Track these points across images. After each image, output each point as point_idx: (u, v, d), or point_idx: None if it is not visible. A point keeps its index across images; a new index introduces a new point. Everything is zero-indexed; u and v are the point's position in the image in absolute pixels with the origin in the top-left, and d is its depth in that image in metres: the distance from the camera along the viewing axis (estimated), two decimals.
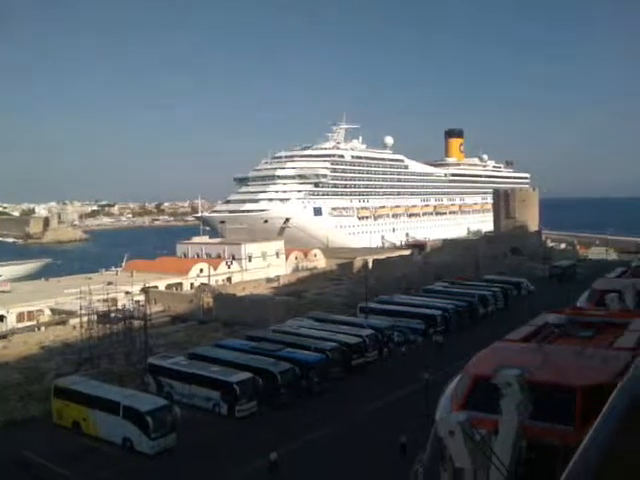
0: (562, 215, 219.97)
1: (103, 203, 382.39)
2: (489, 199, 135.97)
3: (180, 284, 72.38)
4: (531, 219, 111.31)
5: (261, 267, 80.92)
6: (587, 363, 12.88)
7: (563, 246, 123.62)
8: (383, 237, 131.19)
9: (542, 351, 13.98)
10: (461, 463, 10.46)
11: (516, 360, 12.73)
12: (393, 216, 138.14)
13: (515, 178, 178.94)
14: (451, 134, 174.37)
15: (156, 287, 67.22)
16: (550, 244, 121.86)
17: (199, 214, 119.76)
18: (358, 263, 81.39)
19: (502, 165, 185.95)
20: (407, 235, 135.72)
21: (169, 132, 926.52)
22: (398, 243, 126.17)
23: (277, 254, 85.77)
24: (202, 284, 70.09)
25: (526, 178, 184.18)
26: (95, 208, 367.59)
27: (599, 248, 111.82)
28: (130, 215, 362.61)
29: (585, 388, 11.30)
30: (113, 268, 79.64)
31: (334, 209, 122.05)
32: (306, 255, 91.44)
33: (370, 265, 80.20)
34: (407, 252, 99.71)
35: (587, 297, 24.02)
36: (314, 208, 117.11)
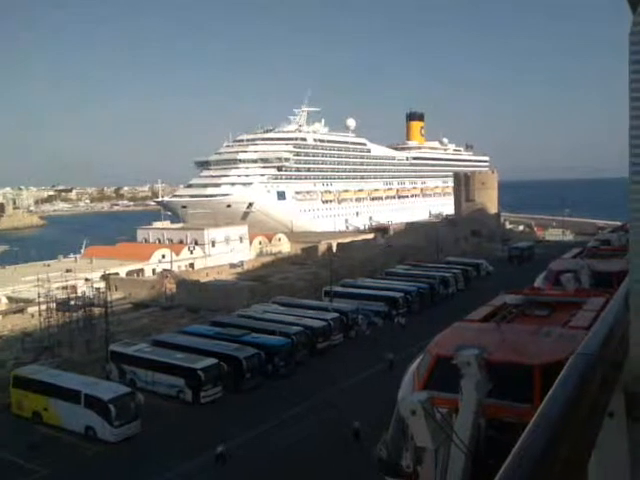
0: (520, 197, 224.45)
1: (60, 188, 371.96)
2: (450, 182, 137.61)
3: (141, 270, 71.31)
4: (490, 201, 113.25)
5: (225, 252, 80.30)
6: (544, 342, 13.25)
7: (521, 228, 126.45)
8: (347, 221, 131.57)
9: (500, 330, 14.32)
10: (422, 442, 10.65)
11: (475, 340, 12.99)
12: (357, 200, 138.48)
13: (475, 161, 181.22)
14: (412, 117, 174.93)
15: (117, 274, 66.12)
16: (509, 226, 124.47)
17: (160, 199, 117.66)
18: (322, 247, 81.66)
19: (462, 148, 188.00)
20: (370, 219, 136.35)
21: (127, 111, 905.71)
22: (362, 227, 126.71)
23: (241, 239, 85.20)
24: (164, 270, 69.22)
25: (485, 161, 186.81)
26: (52, 193, 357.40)
27: (556, 230, 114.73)
28: (88, 200, 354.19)
29: (542, 366, 11.62)
30: (72, 255, 77.85)
31: (298, 193, 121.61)
32: (270, 240, 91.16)
33: (334, 249, 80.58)
34: (370, 236, 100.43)
35: (544, 277, 24.58)
36: (277, 192, 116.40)
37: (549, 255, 43.60)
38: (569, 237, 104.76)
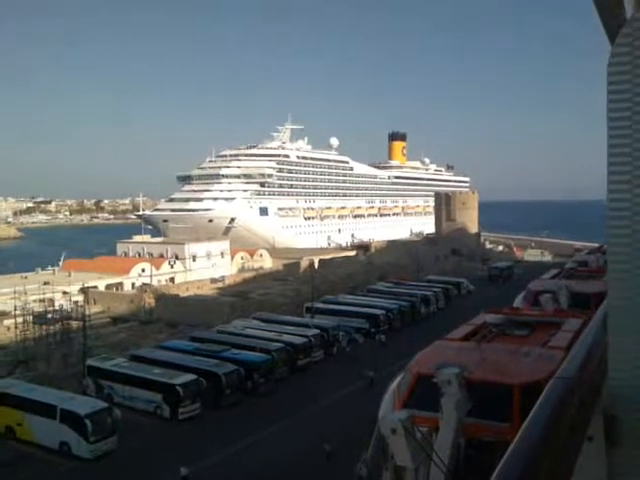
0: (500, 217, 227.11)
1: (39, 200, 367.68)
2: (431, 202, 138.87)
3: (120, 284, 70.55)
4: (470, 221, 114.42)
5: (206, 267, 79.83)
6: (523, 361, 13.41)
7: (501, 248, 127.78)
8: (329, 237, 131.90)
9: (480, 350, 14.46)
10: (402, 461, 10.66)
11: (456, 358, 13.10)
12: (339, 217, 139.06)
13: (455, 181, 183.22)
14: (395, 137, 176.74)
15: (95, 287, 65.35)
16: (488, 245, 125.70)
17: (141, 212, 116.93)
18: (304, 263, 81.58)
19: (443, 169, 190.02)
20: (352, 236, 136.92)
21: (109, 124, 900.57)
22: (344, 244, 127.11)
23: (222, 254, 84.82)
24: (144, 284, 68.57)
25: (466, 182, 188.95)
26: (31, 205, 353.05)
27: (535, 250, 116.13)
28: (68, 212, 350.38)
29: (522, 386, 11.75)
30: (50, 267, 76.74)
31: (280, 209, 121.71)
32: (252, 255, 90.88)
33: (316, 265, 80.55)
34: (352, 252, 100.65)
35: (523, 297, 24.88)
36: (260, 208, 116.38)
37: (528, 275, 44.12)
38: (547, 258, 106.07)
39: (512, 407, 11.42)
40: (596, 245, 52.80)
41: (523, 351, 14.14)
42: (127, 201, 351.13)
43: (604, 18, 4.17)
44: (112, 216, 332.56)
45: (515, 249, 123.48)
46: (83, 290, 61.14)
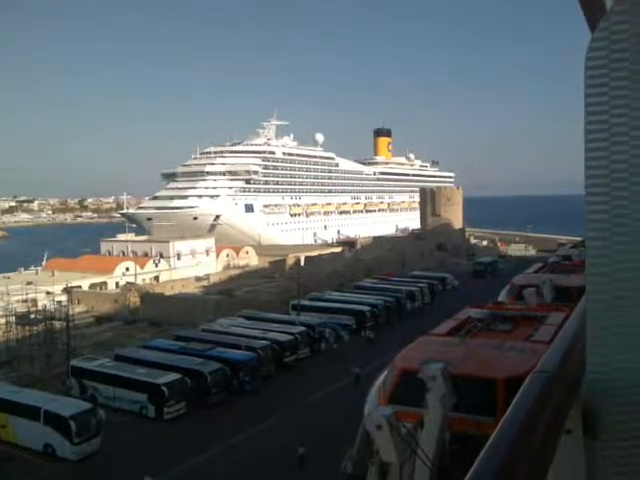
0: (484, 212, 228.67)
1: (22, 199, 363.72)
2: (416, 197, 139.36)
3: (104, 283, 69.98)
4: (455, 217, 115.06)
5: (190, 265, 79.45)
6: (507, 356, 13.48)
7: (485, 243, 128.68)
8: (315, 234, 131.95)
9: (465, 344, 14.51)
10: (388, 457, 10.66)
11: (441, 354, 13.13)
12: (325, 213, 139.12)
13: (440, 177, 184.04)
14: (380, 133, 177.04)
15: (79, 287, 64.76)
16: (473, 241, 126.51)
17: (125, 211, 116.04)
18: (290, 260, 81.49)
19: (428, 164, 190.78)
20: (338, 232, 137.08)
21: (91, 121, 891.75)
22: (330, 240, 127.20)
23: (207, 252, 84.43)
24: (128, 283, 68.12)
25: (451, 177, 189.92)
26: (13, 204, 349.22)
27: (518, 245, 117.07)
28: (50, 212, 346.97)
29: (506, 380, 11.80)
30: (33, 267, 75.92)
31: (266, 206, 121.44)
32: (237, 253, 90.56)
33: (302, 262, 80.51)
34: (338, 249, 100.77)
35: (507, 292, 25.05)
36: (245, 205, 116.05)
37: (512, 270, 44.40)
38: (531, 252, 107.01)
39: (496, 401, 11.47)
40: (579, 239, 53.36)
41: (507, 345, 14.22)
42: (111, 200, 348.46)
43: (585, 10, 4.14)
44: (96, 215, 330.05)
45: (499, 244, 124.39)
46: (67, 290, 60.56)
